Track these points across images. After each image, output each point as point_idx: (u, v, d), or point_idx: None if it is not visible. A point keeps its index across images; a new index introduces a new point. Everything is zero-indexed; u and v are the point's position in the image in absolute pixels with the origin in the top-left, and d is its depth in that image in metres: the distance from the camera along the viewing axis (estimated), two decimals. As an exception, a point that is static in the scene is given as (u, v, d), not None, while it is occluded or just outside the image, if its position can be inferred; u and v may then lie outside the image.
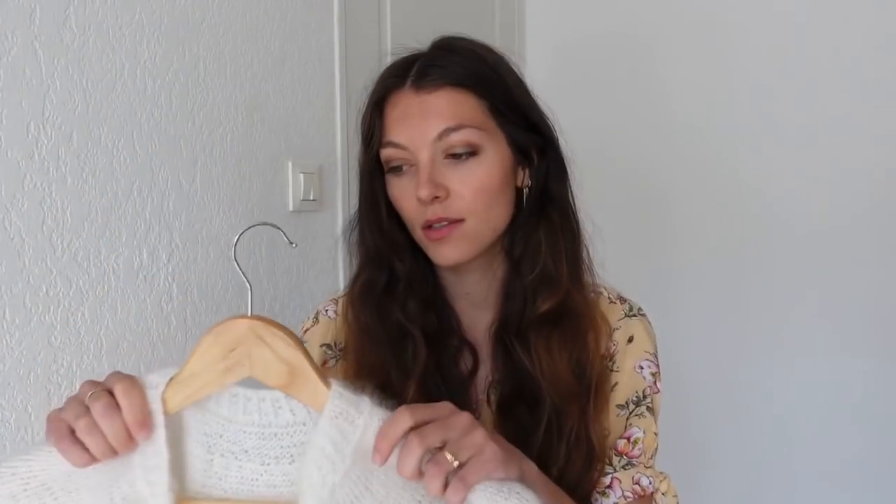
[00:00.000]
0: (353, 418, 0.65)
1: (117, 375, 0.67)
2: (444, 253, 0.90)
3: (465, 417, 0.67)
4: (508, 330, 0.93)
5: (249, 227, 0.77)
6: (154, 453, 0.64)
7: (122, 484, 0.64)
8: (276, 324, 0.67)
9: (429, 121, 0.87)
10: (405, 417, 0.64)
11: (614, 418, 0.95)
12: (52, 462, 0.65)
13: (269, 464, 0.67)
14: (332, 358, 0.99)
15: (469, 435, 0.66)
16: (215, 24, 1.17)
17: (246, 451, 0.67)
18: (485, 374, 0.96)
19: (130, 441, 0.64)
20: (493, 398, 0.94)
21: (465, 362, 0.96)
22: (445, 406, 0.68)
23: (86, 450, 0.63)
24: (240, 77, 1.22)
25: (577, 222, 0.96)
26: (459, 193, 0.87)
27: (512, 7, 2.13)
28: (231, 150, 1.20)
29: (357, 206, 0.97)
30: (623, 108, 2.05)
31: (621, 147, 2.04)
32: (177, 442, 0.67)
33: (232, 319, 0.67)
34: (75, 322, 0.96)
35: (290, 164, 1.32)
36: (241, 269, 0.73)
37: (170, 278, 1.10)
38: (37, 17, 0.91)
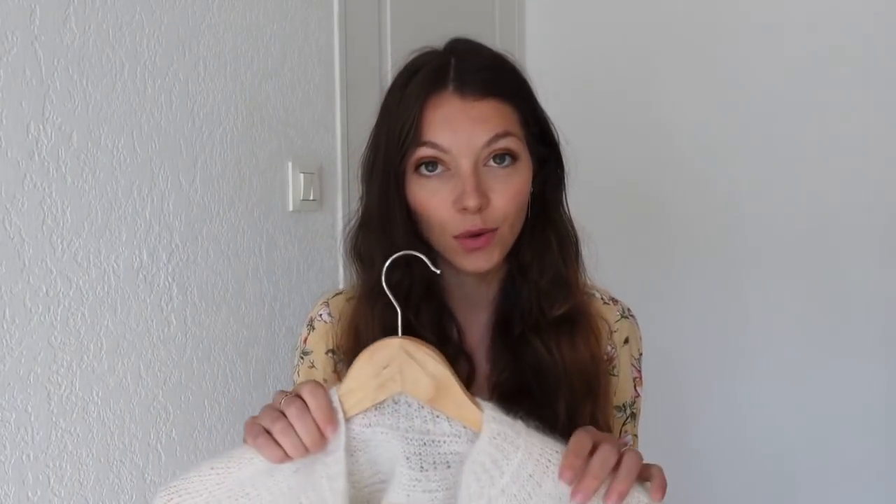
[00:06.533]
0: (512, 439, 0.69)
1: (305, 382, 0.73)
2: (478, 262, 0.90)
3: (615, 438, 0.74)
4: (512, 330, 0.93)
5: (399, 254, 0.81)
6: (335, 461, 0.70)
7: (309, 491, 0.70)
8: (423, 342, 0.72)
9: (477, 127, 0.86)
10: (588, 440, 0.70)
11: (614, 420, 0.98)
12: (248, 462, 0.71)
13: (427, 470, 0.71)
14: (339, 361, 0.99)
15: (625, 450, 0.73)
16: (215, 24, 1.17)
17: (408, 458, 0.71)
18: (483, 375, 0.96)
19: (321, 439, 0.69)
20: (496, 397, 0.95)
21: (461, 372, 0.96)
22: (593, 429, 0.73)
23: (280, 447, 0.69)
24: (240, 77, 1.22)
25: (573, 225, 0.98)
26: (498, 202, 0.87)
27: (512, 8, 2.14)
28: (231, 150, 1.20)
29: (368, 205, 0.94)
30: (622, 109, 2.06)
31: (619, 148, 2.05)
32: (351, 452, 0.72)
33: (385, 339, 0.72)
34: (75, 322, 0.96)
35: (290, 164, 1.32)
36: (390, 294, 0.78)
37: (170, 278, 1.10)
38: (37, 17, 0.91)
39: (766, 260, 1.93)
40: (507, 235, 0.91)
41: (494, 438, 0.68)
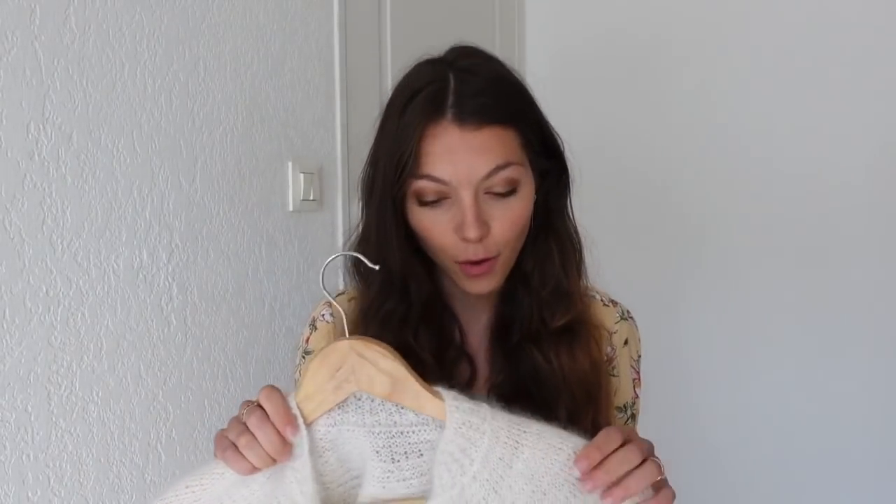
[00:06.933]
0: (477, 426, 0.70)
1: (262, 388, 0.73)
2: (481, 286, 0.90)
3: (649, 443, 0.74)
4: (511, 335, 0.94)
5: (332, 258, 0.81)
6: (302, 465, 0.71)
7: (280, 496, 0.71)
8: (372, 340, 0.73)
9: (476, 158, 0.85)
10: (618, 437, 0.70)
11: (615, 421, 0.98)
12: (220, 476, 0.73)
13: (398, 460, 0.72)
14: None
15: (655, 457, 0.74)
16: (215, 24, 1.17)
17: (377, 452, 0.73)
18: (483, 377, 0.96)
19: (285, 445, 0.70)
20: (495, 400, 0.95)
21: (463, 373, 0.96)
22: (632, 429, 0.75)
23: (247, 460, 0.70)
24: (240, 77, 1.22)
25: (576, 232, 0.97)
26: (499, 230, 0.87)
27: (512, 7, 2.13)
28: (231, 150, 1.20)
29: (368, 224, 0.94)
30: (622, 109, 2.05)
31: (621, 148, 2.05)
32: (319, 454, 0.73)
33: (334, 343, 0.73)
34: (75, 322, 0.96)
35: (290, 164, 1.32)
36: (328, 294, 0.80)
37: (170, 278, 1.10)
38: (37, 17, 0.91)
39: (767, 260, 1.93)
40: (510, 258, 0.91)
41: (460, 428, 0.70)
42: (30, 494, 0.91)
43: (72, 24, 0.95)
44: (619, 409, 0.99)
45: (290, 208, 1.32)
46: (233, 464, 0.71)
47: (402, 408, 0.72)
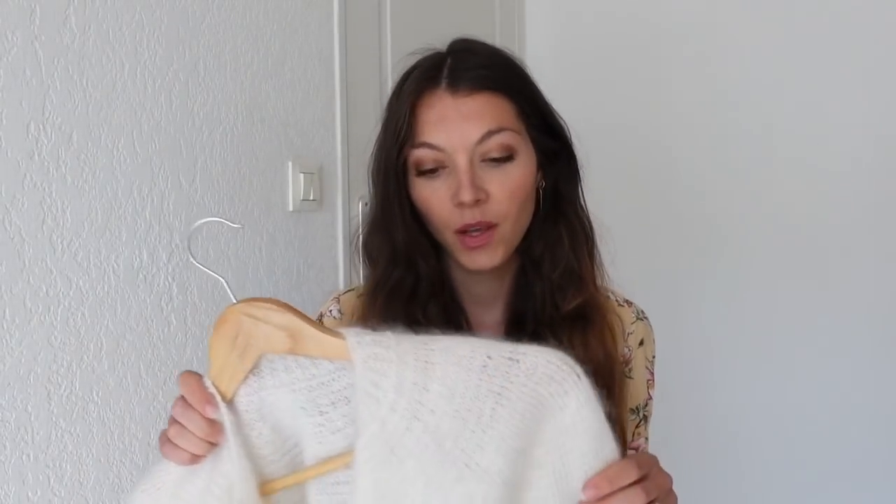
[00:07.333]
0: (382, 356, 0.67)
1: (180, 374, 0.74)
2: (480, 260, 0.90)
3: (667, 479, 0.74)
4: (526, 328, 0.93)
5: (199, 224, 0.85)
6: (231, 444, 0.70)
7: (218, 478, 0.70)
8: (259, 298, 0.71)
9: (469, 123, 0.87)
10: (633, 472, 0.68)
11: (627, 422, 0.98)
12: (167, 472, 0.73)
13: (326, 412, 0.70)
14: None
15: (670, 495, 0.74)
16: (215, 24, 1.17)
17: (303, 409, 0.70)
18: None
19: (210, 425, 0.70)
20: None
21: None
22: (654, 459, 0.74)
23: (183, 449, 0.71)
24: (240, 77, 1.22)
25: (589, 221, 0.98)
26: (497, 197, 0.88)
27: (512, 9, 2.13)
28: (231, 150, 1.20)
29: (375, 205, 0.95)
30: (623, 105, 2.05)
31: (622, 145, 2.04)
32: (250, 427, 0.71)
33: (223, 312, 0.71)
34: (75, 322, 0.96)
35: (290, 164, 1.31)
36: (202, 266, 0.78)
37: (170, 278, 1.10)
38: (37, 17, 0.91)
39: (772, 260, 1.93)
40: (510, 233, 0.91)
41: (366, 361, 0.67)
42: (30, 494, 0.91)
43: (72, 24, 0.95)
44: (632, 410, 0.98)
45: (290, 208, 1.32)
46: (171, 456, 0.72)
47: (316, 359, 0.70)
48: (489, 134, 0.87)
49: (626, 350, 0.98)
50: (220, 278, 0.74)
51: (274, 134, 1.29)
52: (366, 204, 1.33)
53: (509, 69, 0.92)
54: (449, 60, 0.90)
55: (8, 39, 0.88)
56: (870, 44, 1.83)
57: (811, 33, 1.87)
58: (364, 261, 0.98)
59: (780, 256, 1.92)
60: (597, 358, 0.92)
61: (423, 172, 0.89)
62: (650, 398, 1.01)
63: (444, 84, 0.88)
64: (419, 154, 0.88)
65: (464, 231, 0.88)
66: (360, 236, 0.98)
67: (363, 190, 1.40)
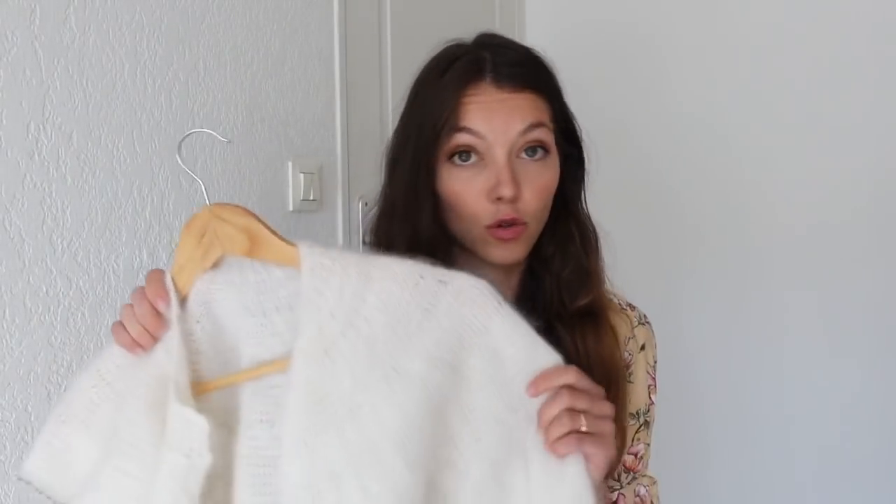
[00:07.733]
0: (328, 266, 0.72)
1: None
2: (505, 254, 0.90)
3: (609, 406, 0.73)
4: (532, 324, 0.93)
5: (189, 133, 0.88)
6: (170, 333, 0.73)
7: (150, 368, 0.73)
8: (231, 204, 0.77)
9: (513, 116, 0.88)
10: (569, 376, 0.70)
11: (627, 427, 0.97)
12: (114, 355, 0.77)
13: (269, 314, 0.74)
14: None
15: (605, 420, 0.72)
16: (215, 23, 1.17)
17: (247, 308, 0.74)
18: None
19: (156, 317, 0.74)
20: None
21: None
22: (601, 390, 0.74)
23: (127, 332, 0.75)
24: (240, 77, 1.22)
25: (591, 221, 0.99)
26: (529, 195, 0.88)
27: (512, 7, 2.13)
28: (231, 150, 1.20)
29: (392, 193, 0.94)
30: (622, 107, 2.05)
31: (622, 146, 2.04)
32: (196, 320, 0.75)
33: (198, 212, 0.76)
34: (75, 322, 0.96)
35: (290, 164, 1.31)
36: (187, 169, 0.83)
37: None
38: (37, 17, 0.91)
39: (771, 262, 1.93)
40: (534, 231, 0.92)
41: (313, 270, 0.71)
42: (30, 494, 0.91)
43: (72, 24, 0.95)
44: (632, 415, 0.98)
45: (290, 208, 1.32)
46: (116, 337, 0.76)
47: (269, 265, 0.74)
48: (531, 127, 0.88)
49: (627, 354, 0.98)
50: (199, 181, 0.79)
51: (274, 134, 1.29)
52: (366, 204, 1.33)
53: (547, 71, 0.95)
54: (489, 55, 0.91)
55: (8, 39, 0.88)
56: (870, 44, 1.82)
57: (811, 36, 1.86)
58: (375, 249, 0.96)
59: (781, 258, 1.92)
60: (605, 354, 0.92)
61: (456, 155, 0.89)
62: (652, 403, 1.00)
63: (488, 78, 0.89)
64: (460, 138, 0.88)
65: (497, 225, 0.88)
66: (371, 225, 0.97)
67: (363, 190, 1.40)
